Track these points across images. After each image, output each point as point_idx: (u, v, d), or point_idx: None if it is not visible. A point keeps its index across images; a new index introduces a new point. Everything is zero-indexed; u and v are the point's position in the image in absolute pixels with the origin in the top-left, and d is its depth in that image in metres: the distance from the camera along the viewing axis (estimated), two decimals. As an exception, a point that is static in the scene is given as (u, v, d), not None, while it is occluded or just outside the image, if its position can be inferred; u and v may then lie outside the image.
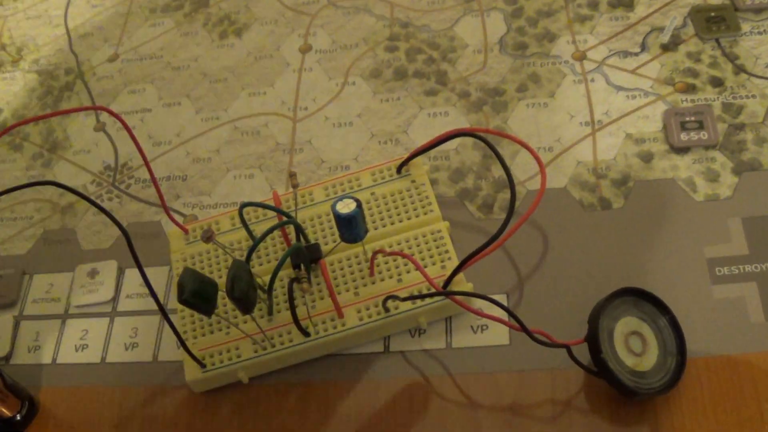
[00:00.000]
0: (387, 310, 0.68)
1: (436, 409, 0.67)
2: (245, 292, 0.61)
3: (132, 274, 0.79)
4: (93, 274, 0.80)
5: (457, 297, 0.66)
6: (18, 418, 0.72)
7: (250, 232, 0.71)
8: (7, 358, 0.77)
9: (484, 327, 0.70)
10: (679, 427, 0.63)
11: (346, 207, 0.63)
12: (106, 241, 0.82)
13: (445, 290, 0.67)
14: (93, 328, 0.77)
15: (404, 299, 0.68)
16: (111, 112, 0.69)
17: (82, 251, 0.83)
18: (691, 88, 0.80)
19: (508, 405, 0.66)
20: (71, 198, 0.85)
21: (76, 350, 0.76)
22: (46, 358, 0.76)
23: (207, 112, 0.90)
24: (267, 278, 0.69)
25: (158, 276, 0.78)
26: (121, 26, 1.03)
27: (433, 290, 0.68)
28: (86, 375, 0.75)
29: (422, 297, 0.67)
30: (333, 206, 0.63)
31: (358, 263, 0.72)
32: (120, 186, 0.86)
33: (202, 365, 0.69)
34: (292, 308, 0.66)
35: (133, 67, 0.97)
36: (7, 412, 0.71)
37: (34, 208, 0.86)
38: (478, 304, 0.69)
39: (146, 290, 0.71)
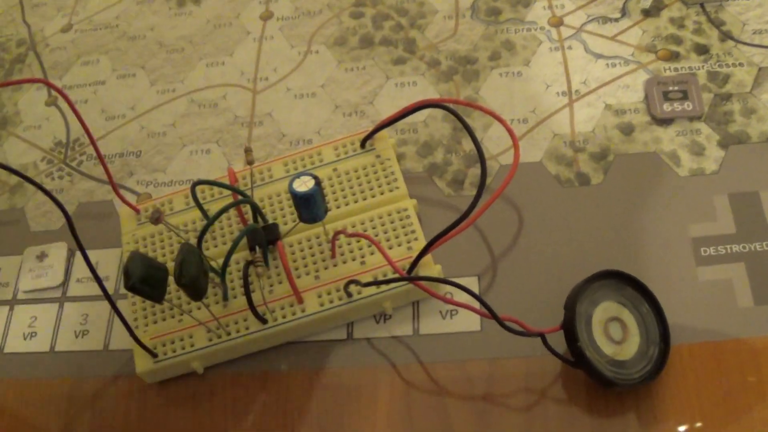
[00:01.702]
0: (349, 295, 0.65)
1: (403, 399, 0.64)
2: (194, 278, 0.58)
3: (82, 257, 0.75)
4: (42, 257, 0.76)
5: (423, 283, 0.63)
6: (-39, 411, 0.68)
7: (204, 212, 0.68)
8: (-49, 347, 0.73)
9: (454, 312, 0.67)
10: (662, 417, 0.60)
11: (303, 185, 0.59)
12: (56, 222, 0.79)
13: (410, 276, 0.64)
14: (42, 315, 0.74)
15: (366, 284, 0.64)
16: (53, 87, 0.66)
17: (31, 233, 0.79)
18: (674, 56, 0.77)
19: (479, 394, 0.63)
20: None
21: (25, 338, 0.73)
22: (-7, 347, 0.73)
23: (163, 84, 0.86)
24: (221, 261, 0.65)
25: (110, 258, 0.75)
26: (75, -6, 0.99)
27: (398, 275, 0.64)
28: (35, 365, 0.71)
29: (385, 282, 0.64)
30: (290, 184, 0.60)
31: (319, 245, 0.68)
32: (71, 163, 0.82)
33: (154, 355, 0.65)
34: (248, 293, 0.63)
35: (87, 37, 0.93)
36: (-53, 407, 0.67)
37: (-19, 187, 0.83)
38: (448, 288, 0.66)
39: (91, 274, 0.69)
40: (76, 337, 0.72)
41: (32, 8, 0.99)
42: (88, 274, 0.75)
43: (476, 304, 0.60)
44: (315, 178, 0.59)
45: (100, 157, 0.70)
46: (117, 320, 0.71)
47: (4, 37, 0.97)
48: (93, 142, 0.68)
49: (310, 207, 0.60)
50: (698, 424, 0.59)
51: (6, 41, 0.96)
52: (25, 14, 0.99)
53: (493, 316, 0.58)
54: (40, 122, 0.87)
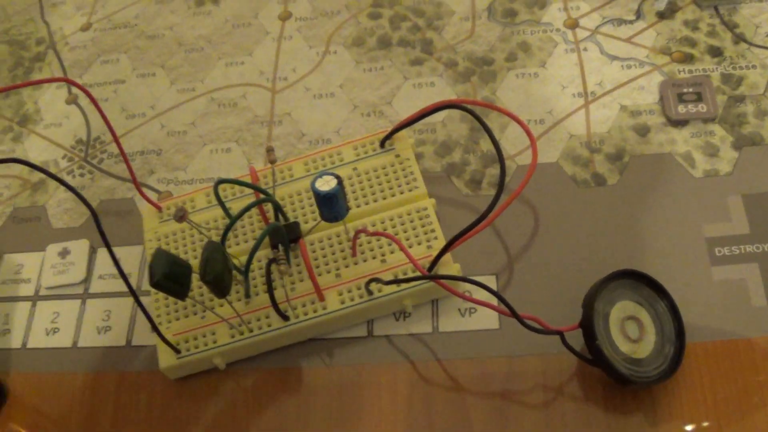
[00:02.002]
0: (370, 292, 0.66)
1: (423, 396, 0.65)
2: (219, 276, 0.59)
3: (104, 254, 0.77)
4: (64, 254, 0.77)
5: (444, 281, 0.63)
6: (-14, 404, 0.69)
7: (226, 210, 0.68)
8: (-25, 342, 0.74)
9: (473, 310, 0.67)
10: (678, 414, 0.60)
11: (325, 184, 0.60)
12: (78, 218, 0.79)
13: (431, 274, 0.65)
14: (64, 311, 0.74)
15: (388, 282, 0.65)
16: (77, 85, 0.66)
17: (53, 229, 0.80)
18: (688, 58, 0.77)
19: (497, 391, 0.64)
20: (42, 174, 0.82)
21: (47, 334, 0.73)
22: (16, 343, 0.74)
23: (183, 83, 0.87)
24: (244, 259, 0.66)
25: (132, 256, 0.76)
26: (95, -7, 1.00)
27: (417, 273, 0.65)
28: (57, 360, 0.72)
29: (406, 281, 0.65)
30: (312, 183, 0.60)
31: (340, 243, 0.69)
32: (92, 161, 0.83)
33: (177, 351, 0.66)
34: (270, 291, 0.63)
35: (107, 36, 0.94)
36: (-27, 399, 0.68)
37: (4, 185, 0.83)
38: (467, 286, 0.67)
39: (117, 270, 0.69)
40: (99, 333, 0.72)
41: (51, 7, 1.00)
42: (110, 270, 0.75)
43: (495, 302, 0.61)
44: (337, 177, 0.60)
45: (124, 155, 0.70)
46: (139, 316, 0.72)
47: (24, 35, 0.97)
48: (116, 140, 0.69)
49: (332, 206, 0.61)
50: (712, 422, 0.60)
51: (25, 39, 0.97)
52: (44, 13, 0.99)
53: (514, 314, 0.59)
54: (61, 120, 0.88)
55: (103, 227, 0.61)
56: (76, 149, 0.85)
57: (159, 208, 0.74)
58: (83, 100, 0.88)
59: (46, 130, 0.87)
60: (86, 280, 0.76)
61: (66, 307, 0.75)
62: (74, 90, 0.89)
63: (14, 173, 0.84)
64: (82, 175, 0.82)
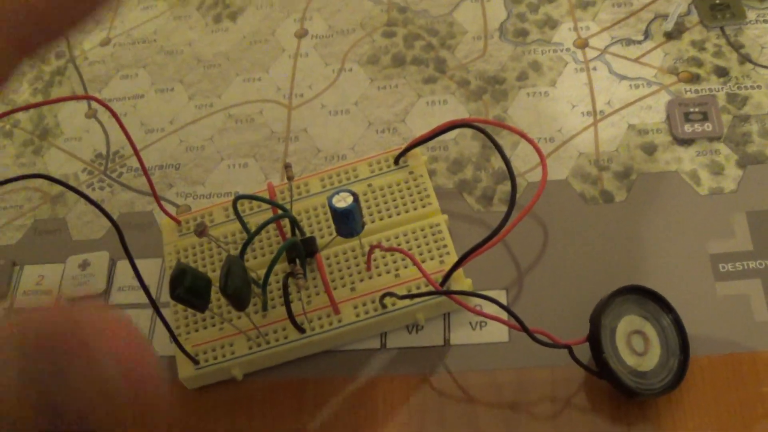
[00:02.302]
0: (384, 306, 0.67)
1: (435, 406, 0.66)
2: (239, 289, 0.60)
3: (124, 266, 0.78)
4: (84, 265, 0.78)
5: (456, 296, 0.65)
6: (8, 413, 0.70)
7: (244, 225, 0.70)
8: (-3, 352, 0.75)
9: (483, 324, 0.69)
10: (682, 426, 0.62)
11: (342, 201, 0.62)
12: (98, 231, 0.81)
13: (444, 289, 0.66)
14: (84, 321, 0.75)
15: (402, 297, 0.66)
16: (101, 102, 0.68)
17: (73, 241, 0.81)
18: (695, 78, 0.79)
19: (507, 402, 0.65)
20: (62, 187, 0.84)
21: (67, 344, 0.74)
22: (36, 352, 0.75)
23: (200, 99, 0.89)
24: (261, 272, 0.68)
25: (151, 268, 0.77)
26: (114, 9, 1.01)
27: (431, 287, 0.67)
28: (78, 369, 0.73)
29: (420, 296, 0.66)
30: (329, 200, 0.62)
31: (355, 257, 0.70)
32: (112, 175, 0.85)
33: (196, 362, 0.68)
34: (287, 304, 0.65)
35: (126, 51, 0.96)
36: (-3, 409, 0.69)
37: (25, 197, 0.85)
38: (478, 300, 0.68)
39: (139, 283, 0.71)
40: (119, 343, 0.74)
41: (71, 22, 1.01)
42: (130, 282, 0.77)
43: (506, 316, 0.62)
44: (353, 194, 0.62)
45: (144, 169, 0.72)
46: (158, 327, 0.73)
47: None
48: (137, 154, 0.71)
49: (348, 222, 0.63)
50: (716, 433, 0.61)
51: (45, 53, 0.98)
52: (63, 27, 1.01)
53: (524, 328, 0.61)
54: (81, 134, 0.89)
55: (120, 239, 0.63)
56: (95, 163, 0.86)
57: (178, 222, 0.76)
58: (102, 115, 0.90)
59: (66, 144, 0.89)
60: (106, 292, 0.77)
61: (86, 318, 0.76)
62: (94, 104, 0.91)
63: (35, 186, 0.85)
64: (101, 188, 0.84)
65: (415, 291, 0.68)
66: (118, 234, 0.62)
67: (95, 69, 0.95)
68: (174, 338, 0.66)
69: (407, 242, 0.71)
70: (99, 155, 0.87)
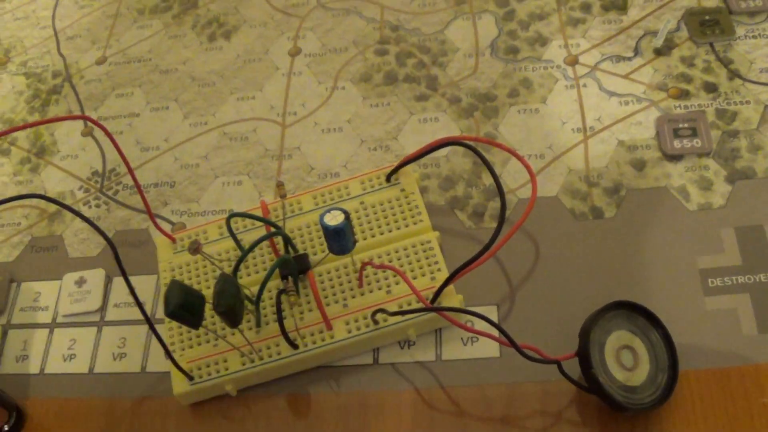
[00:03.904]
0: (376, 322, 0.68)
1: (426, 421, 0.67)
2: (231, 307, 0.61)
3: (120, 283, 0.79)
4: (81, 282, 0.79)
5: (446, 312, 0.65)
6: (6, 429, 0.71)
7: (238, 243, 0.70)
8: (-6, 367, 0.76)
9: (474, 339, 0.70)
10: (671, 440, 0.62)
11: (334, 219, 0.62)
12: (94, 248, 0.82)
13: (434, 306, 0.67)
14: (81, 338, 0.77)
15: (393, 313, 0.67)
16: (96, 123, 0.69)
17: (70, 259, 0.82)
18: (684, 94, 0.79)
19: (498, 417, 0.66)
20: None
21: (64, 360, 0.76)
22: (34, 368, 0.76)
23: (195, 117, 0.90)
24: (254, 289, 0.68)
25: (146, 285, 0.78)
26: (109, 28, 1.02)
27: (422, 304, 0.67)
28: (74, 385, 0.74)
29: (411, 312, 0.67)
30: (321, 218, 0.62)
31: (347, 274, 0.71)
32: (108, 192, 0.86)
33: (190, 378, 0.68)
34: (280, 320, 0.66)
35: (121, 70, 0.96)
36: (-7, 424, 0.70)
37: (22, 215, 0.86)
38: (469, 316, 0.69)
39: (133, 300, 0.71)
40: (114, 359, 0.75)
41: (67, 40, 1.02)
42: (126, 299, 0.78)
43: (496, 332, 0.63)
44: (345, 212, 0.62)
45: (139, 188, 0.72)
46: (153, 343, 0.74)
47: (41, 68, 1.00)
48: (131, 173, 0.71)
49: (339, 240, 0.63)
50: (705, 447, 0.62)
51: (42, 72, 0.99)
52: (60, 46, 1.02)
53: (513, 344, 0.61)
54: (77, 152, 0.90)
55: (115, 257, 0.63)
56: (92, 180, 0.87)
57: (173, 240, 0.77)
58: (99, 133, 0.91)
59: (62, 162, 0.89)
60: (102, 308, 0.78)
61: (82, 334, 0.77)
62: (90, 122, 0.91)
63: (32, 203, 0.86)
64: (98, 206, 0.85)
65: (406, 307, 0.68)
66: (113, 251, 0.63)
67: (91, 87, 0.96)
68: (169, 354, 0.67)
69: (399, 259, 0.71)
70: (95, 173, 0.87)
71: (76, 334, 0.77)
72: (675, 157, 0.75)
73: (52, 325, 0.78)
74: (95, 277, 0.79)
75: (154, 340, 0.74)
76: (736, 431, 0.62)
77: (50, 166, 0.89)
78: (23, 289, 0.81)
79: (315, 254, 0.73)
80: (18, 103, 0.96)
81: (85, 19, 1.04)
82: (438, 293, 0.67)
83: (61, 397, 0.74)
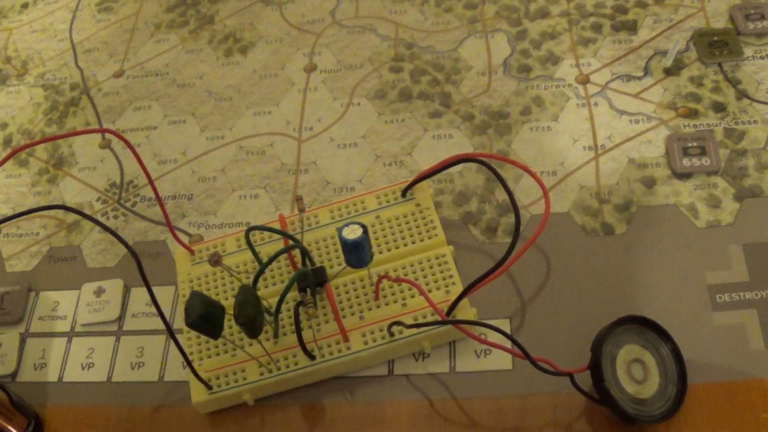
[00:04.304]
0: (392, 334, 0.69)
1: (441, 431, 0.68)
2: (252, 318, 0.62)
3: (138, 293, 0.80)
4: (99, 292, 0.80)
5: (462, 325, 0.67)
6: (25, 436, 0.72)
7: (256, 256, 0.71)
8: (13, 375, 0.77)
9: (488, 351, 0.71)
10: (680, 453, 0.63)
11: (352, 233, 0.63)
12: (112, 259, 0.83)
13: (450, 319, 0.68)
14: (99, 347, 0.78)
15: (410, 326, 0.68)
16: (118, 136, 0.70)
17: (88, 269, 0.83)
18: (693, 113, 0.80)
19: (510, 428, 0.67)
20: (77, 215, 0.85)
21: (83, 369, 0.77)
22: (52, 376, 0.77)
23: (212, 131, 0.91)
24: (272, 301, 0.69)
25: (164, 295, 0.79)
26: (127, 42, 1.03)
27: (437, 317, 0.68)
28: (92, 394, 0.75)
29: (427, 325, 0.68)
30: (339, 232, 0.63)
31: (363, 287, 0.72)
32: (125, 204, 0.87)
33: (209, 387, 0.69)
34: (298, 332, 0.67)
35: (139, 83, 0.98)
36: (14, 431, 0.71)
37: (40, 225, 0.87)
38: (483, 329, 0.70)
39: (152, 309, 0.74)
40: (132, 368, 0.76)
41: (84, 53, 1.03)
42: (144, 309, 0.79)
43: (510, 345, 0.64)
44: (363, 226, 0.63)
45: (159, 199, 0.74)
46: (171, 353, 0.76)
47: (58, 80, 1.01)
48: (152, 185, 0.72)
49: (357, 253, 0.64)
50: (713, 459, 0.63)
51: (60, 84, 1.00)
52: (77, 59, 1.03)
53: (527, 356, 0.62)
54: (95, 164, 0.91)
55: (135, 268, 0.64)
56: (109, 192, 0.88)
57: (191, 251, 0.78)
58: (117, 145, 0.92)
59: (80, 173, 0.91)
60: (120, 318, 0.79)
61: (101, 343, 0.78)
62: (108, 135, 0.93)
63: (50, 214, 0.87)
64: (116, 217, 0.86)
65: (421, 320, 0.69)
66: (135, 261, 0.64)
67: (109, 100, 0.97)
68: (188, 364, 0.68)
69: (414, 273, 0.72)
70: (113, 185, 0.89)
71: (94, 343, 0.78)
72: (684, 175, 0.77)
73: (71, 334, 0.79)
74: (114, 287, 0.80)
75: (172, 349, 0.75)
76: (743, 444, 0.63)
77: (68, 178, 0.91)
78: (41, 299, 0.82)
79: (332, 267, 0.74)
80: (36, 114, 0.98)
81: (103, 32, 1.05)
82: (453, 306, 0.68)
83: (79, 405, 0.75)
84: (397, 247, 0.74)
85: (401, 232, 0.75)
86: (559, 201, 0.77)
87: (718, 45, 0.84)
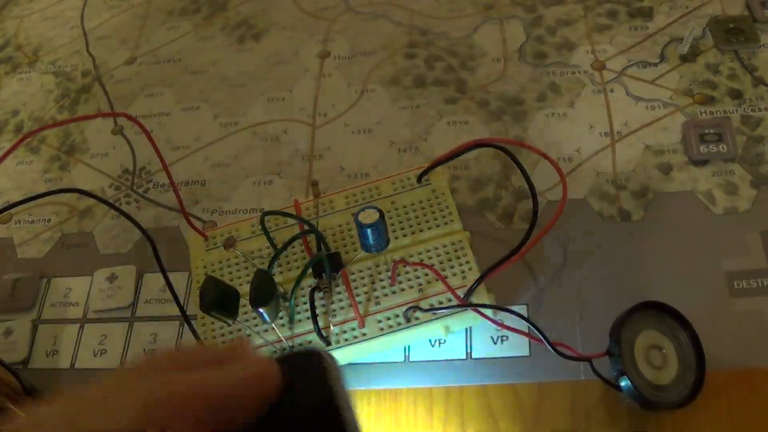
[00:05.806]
0: (408, 320, 0.69)
1: (456, 419, 0.67)
2: (267, 303, 0.62)
3: (150, 280, 0.80)
4: (112, 278, 0.80)
5: (480, 309, 0.66)
6: (37, 422, 0.72)
7: (271, 241, 0.71)
8: (25, 362, 0.77)
9: (504, 338, 0.70)
10: (698, 438, 0.63)
11: (368, 217, 0.63)
12: (124, 245, 0.83)
13: (468, 302, 0.68)
14: (112, 333, 0.77)
15: (426, 310, 0.68)
16: (131, 119, 0.70)
17: (100, 255, 0.83)
18: (709, 100, 0.80)
19: (528, 416, 0.67)
20: (89, 201, 0.85)
21: (95, 355, 0.76)
22: (65, 363, 0.77)
23: (225, 117, 0.91)
24: (287, 286, 0.69)
25: (177, 281, 0.78)
26: (139, 29, 1.03)
27: (454, 301, 0.68)
28: (105, 380, 0.75)
29: (445, 309, 0.68)
30: (356, 216, 0.63)
31: (379, 272, 0.72)
32: (138, 190, 0.86)
33: (223, 373, 0.69)
34: (314, 317, 0.67)
35: (151, 70, 0.98)
36: (26, 417, 0.71)
37: (52, 211, 0.87)
38: (500, 315, 0.70)
39: (165, 296, 0.73)
40: (146, 354, 0.75)
41: (96, 40, 1.03)
42: (157, 295, 0.79)
43: (527, 330, 0.64)
44: (379, 210, 0.63)
45: (173, 185, 0.74)
46: (185, 339, 0.75)
47: (70, 66, 1.01)
48: (166, 170, 0.72)
49: (374, 237, 0.64)
50: (732, 445, 0.63)
51: (71, 71, 1.00)
52: (89, 46, 1.03)
53: (546, 341, 0.62)
54: (107, 150, 0.91)
55: (149, 254, 0.64)
56: (122, 178, 0.88)
57: (205, 237, 0.77)
58: (129, 131, 0.92)
59: (92, 160, 0.90)
60: (133, 304, 0.79)
61: (113, 330, 0.78)
62: (120, 120, 0.92)
63: (62, 200, 0.87)
64: (128, 203, 0.86)
65: (437, 305, 0.69)
66: (150, 244, 0.64)
67: (121, 87, 0.97)
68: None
69: (430, 258, 0.72)
70: (126, 171, 0.88)
71: (106, 329, 0.78)
72: (701, 162, 0.76)
73: (83, 321, 0.79)
74: (126, 273, 0.80)
75: (185, 335, 0.75)
76: (762, 430, 0.63)
77: (80, 164, 0.90)
78: (53, 285, 0.82)
79: (347, 252, 0.73)
80: (47, 101, 0.98)
81: (114, 19, 1.05)
82: (470, 291, 0.68)
83: (92, 392, 0.74)
84: (413, 233, 0.74)
85: (417, 217, 0.74)
86: (576, 187, 0.77)
87: (734, 32, 0.84)
